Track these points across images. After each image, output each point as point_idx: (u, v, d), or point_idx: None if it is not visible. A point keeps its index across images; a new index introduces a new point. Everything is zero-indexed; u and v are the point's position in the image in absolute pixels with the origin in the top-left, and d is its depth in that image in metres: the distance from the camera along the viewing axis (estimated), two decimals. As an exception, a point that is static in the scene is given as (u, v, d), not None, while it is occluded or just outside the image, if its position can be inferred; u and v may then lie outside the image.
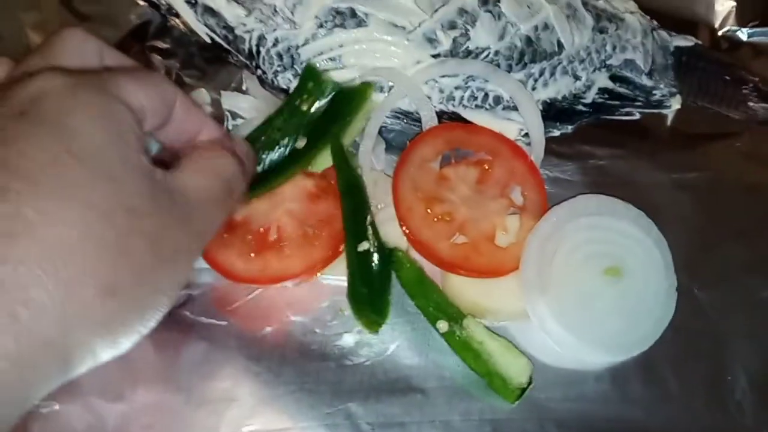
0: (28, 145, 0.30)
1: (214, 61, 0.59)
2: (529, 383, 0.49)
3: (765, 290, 0.54)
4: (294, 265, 0.50)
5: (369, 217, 0.50)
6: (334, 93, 0.53)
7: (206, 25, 0.56)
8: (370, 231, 0.50)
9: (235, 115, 0.57)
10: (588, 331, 0.49)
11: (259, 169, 0.51)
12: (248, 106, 0.57)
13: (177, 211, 0.35)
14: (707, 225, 0.55)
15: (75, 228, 0.30)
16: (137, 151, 0.34)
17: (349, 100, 0.53)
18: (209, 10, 0.55)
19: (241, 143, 0.46)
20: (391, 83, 0.54)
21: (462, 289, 0.51)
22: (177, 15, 0.56)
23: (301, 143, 0.51)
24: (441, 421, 0.48)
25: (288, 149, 0.52)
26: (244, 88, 0.58)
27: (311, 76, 0.53)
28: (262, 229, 0.51)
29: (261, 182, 0.51)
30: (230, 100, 0.57)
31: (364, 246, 0.50)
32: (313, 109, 0.53)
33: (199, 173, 0.39)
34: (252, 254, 0.50)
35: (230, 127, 0.57)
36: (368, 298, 0.49)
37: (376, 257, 0.50)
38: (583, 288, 0.50)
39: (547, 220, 0.52)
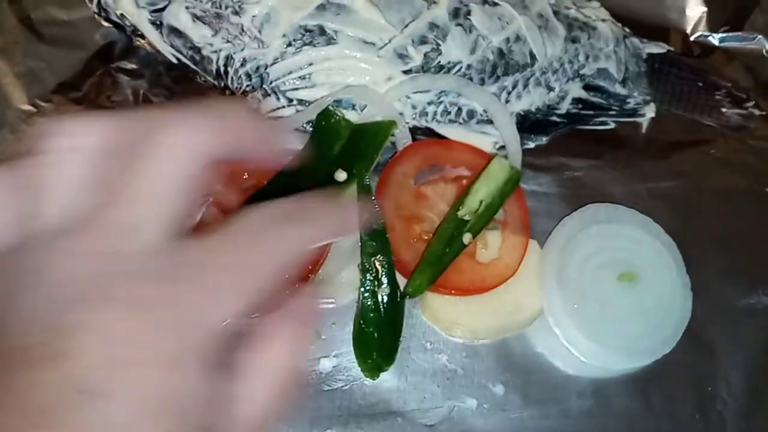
0: None
1: (182, 80, 0.58)
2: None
3: (743, 298, 0.54)
4: None
5: (389, 260, 0.49)
6: (354, 131, 0.52)
7: (172, 46, 0.54)
8: (388, 274, 0.49)
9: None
10: (611, 339, 0.50)
11: None
12: None
13: None
14: (684, 234, 0.54)
15: None
16: None
17: (373, 137, 0.52)
18: (175, 31, 0.54)
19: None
20: (363, 101, 0.53)
21: (441, 308, 0.50)
22: (142, 36, 0.55)
23: (341, 176, 0.50)
24: (422, 444, 0.48)
25: (321, 186, 0.50)
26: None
27: (325, 119, 0.52)
28: None
29: None
30: None
31: (385, 291, 0.49)
32: (336, 150, 0.51)
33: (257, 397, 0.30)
34: None
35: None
36: (377, 343, 0.49)
37: (392, 302, 0.49)
38: (600, 295, 0.51)
39: (558, 232, 0.53)
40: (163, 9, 0.54)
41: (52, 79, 0.57)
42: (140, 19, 0.54)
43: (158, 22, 0.54)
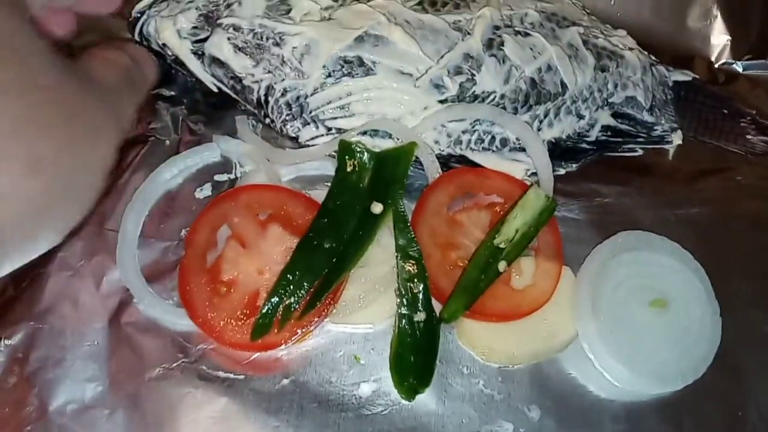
0: None
1: (219, 107, 0.59)
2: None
3: (771, 324, 0.55)
4: (282, 331, 0.50)
5: (425, 285, 0.51)
6: (378, 159, 0.53)
7: (213, 76, 0.56)
8: (424, 300, 0.50)
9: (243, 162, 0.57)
10: (644, 365, 0.51)
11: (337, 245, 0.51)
12: (239, 151, 0.56)
13: (84, 88, 0.36)
14: (712, 260, 0.55)
15: None
16: (36, 33, 0.35)
17: (396, 162, 0.53)
18: (216, 61, 0.55)
19: (137, 49, 0.49)
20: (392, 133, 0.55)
21: (477, 334, 0.52)
22: (182, 65, 0.56)
23: (377, 209, 0.51)
24: (462, 468, 0.49)
25: (358, 219, 0.52)
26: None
27: (346, 151, 0.53)
28: (247, 298, 0.50)
29: (347, 255, 0.51)
30: (223, 145, 0.57)
31: (421, 316, 0.50)
32: (364, 180, 0.53)
33: (96, 62, 0.41)
34: (241, 321, 0.50)
35: (239, 174, 0.57)
36: (413, 366, 0.50)
37: (427, 327, 0.50)
38: (632, 322, 0.52)
39: (591, 260, 0.54)
40: (204, 40, 0.55)
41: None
42: (182, 49, 0.55)
43: (200, 53, 0.55)
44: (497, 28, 0.57)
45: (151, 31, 0.56)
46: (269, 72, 0.54)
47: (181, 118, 0.59)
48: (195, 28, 0.55)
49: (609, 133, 0.60)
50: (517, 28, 0.58)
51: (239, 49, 0.54)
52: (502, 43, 0.56)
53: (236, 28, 0.55)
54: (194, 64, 0.56)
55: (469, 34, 0.56)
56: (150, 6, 0.56)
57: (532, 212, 0.53)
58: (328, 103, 0.54)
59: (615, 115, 0.60)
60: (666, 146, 0.61)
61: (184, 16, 0.55)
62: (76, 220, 0.36)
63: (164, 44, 0.56)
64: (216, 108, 0.59)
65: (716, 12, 0.66)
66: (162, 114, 0.59)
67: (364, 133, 0.55)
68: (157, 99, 0.60)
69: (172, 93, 0.60)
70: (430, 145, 0.55)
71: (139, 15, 0.57)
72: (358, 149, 0.53)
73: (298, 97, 0.54)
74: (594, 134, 0.60)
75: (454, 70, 0.55)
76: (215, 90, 0.56)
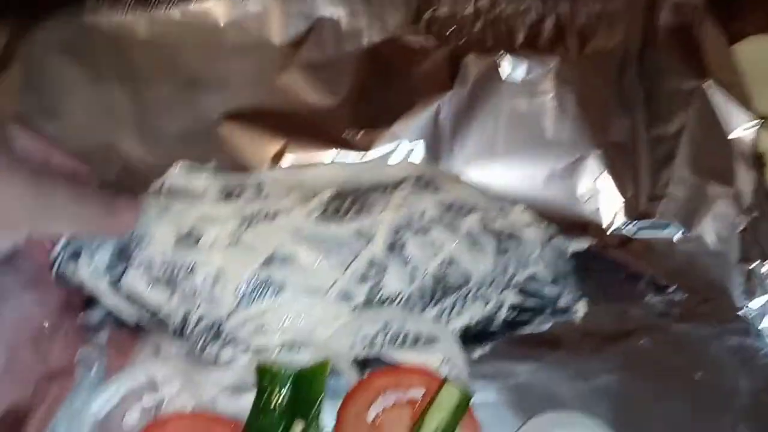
0: None
1: (143, 330, 0.61)
2: None
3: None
4: None
5: None
6: (295, 378, 0.56)
7: (130, 308, 0.58)
8: None
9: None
10: None
11: None
12: (164, 372, 0.58)
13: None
14: (627, 428, 0.58)
15: None
16: None
17: (312, 379, 0.56)
18: (132, 297, 0.57)
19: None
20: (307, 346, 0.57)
21: None
22: (98, 300, 0.59)
23: (298, 428, 0.54)
24: None
25: None
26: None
27: (264, 375, 0.56)
28: None
29: None
30: (148, 367, 0.58)
31: None
32: (284, 400, 0.55)
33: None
34: None
35: (165, 396, 0.58)
36: None
37: None
38: None
39: None
40: (120, 276, 0.57)
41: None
42: (98, 287, 0.58)
43: (116, 289, 0.58)
44: (398, 230, 0.61)
45: (67, 271, 0.58)
46: (184, 302, 0.57)
47: (105, 343, 0.61)
48: (109, 266, 0.58)
49: (516, 311, 0.63)
50: (416, 227, 0.61)
51: (153, 283, 0.57)
52: (403, 245, 0.60)
53: (149, 263, 0.57)
54: (111, 300, 0.58)
55: (371, 241, 0.60)
56: (65, 246, 0.59)
57: (448, 409, 0.55)
58: (243, 325, 0.57)
59: (520, 293, 0.64)
60: (572, 316, 0.65)
61: (98, 255, 0.58)
62: None
63: (81, 283, 0.58)
64: (140, 331, 0.61)
65: (606, 178, 0.71)
66: (87, 341, 0.61)
67: (281, 349, 0.57)
68: (80, 328, 0.61)
69: (96, 319, 0.62)
70: (345, 352, 0.58)
71: (55, 256, 0.59)
72: (275, 370, 0.55)
73: (213, 323, 0.57)
74: (502, 315, 0.63)
75: (360, 278, 0.58)
76: (134, 322, 0.59)
